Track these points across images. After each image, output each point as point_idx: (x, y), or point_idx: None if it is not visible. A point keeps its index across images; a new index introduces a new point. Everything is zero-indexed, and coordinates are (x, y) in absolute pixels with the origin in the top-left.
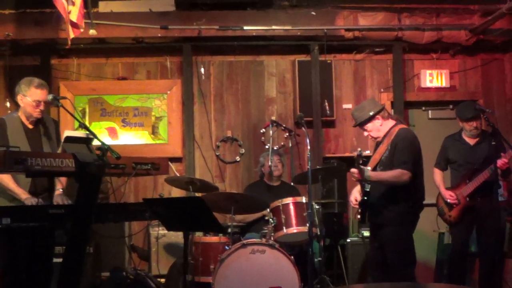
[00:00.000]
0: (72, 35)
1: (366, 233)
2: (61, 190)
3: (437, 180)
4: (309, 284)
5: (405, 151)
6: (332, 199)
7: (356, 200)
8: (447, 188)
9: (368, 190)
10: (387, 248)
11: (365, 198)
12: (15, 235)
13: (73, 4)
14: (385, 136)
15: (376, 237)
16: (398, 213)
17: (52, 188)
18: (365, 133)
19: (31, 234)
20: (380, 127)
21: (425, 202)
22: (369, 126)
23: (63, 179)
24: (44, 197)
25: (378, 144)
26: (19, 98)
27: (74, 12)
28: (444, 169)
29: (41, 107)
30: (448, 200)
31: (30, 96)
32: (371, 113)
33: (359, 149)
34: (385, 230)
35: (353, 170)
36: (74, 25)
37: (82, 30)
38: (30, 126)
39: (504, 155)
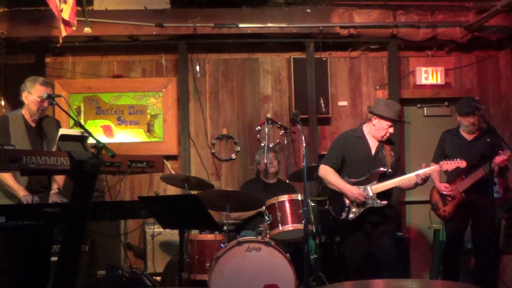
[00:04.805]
0: (64, 33)
1: None
2: (56, 189)
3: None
4: (305, 281)
5: None
6: (328, 197)
7: (364, 198)
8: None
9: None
10: (388, 244)
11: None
12: (12, 234)
13: (65, 2)
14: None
15: (371, 236)
16: (392, 210)
17: (50, 186)
18: (391, 130)
19: (28, 232)
20: None
21: (419, 198)
22: None
23: (60, 179)
24: (42, 196)
25: (377, 147)
26: (24, 96)
27: (66, 10)
28: None
29: (45, 105)
30: (444, 192)
31: (35, 93)
32: None
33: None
34: (387, 227)
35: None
36: (66, 23)
37: (74, 28)
38: (33, 125)
39: (503, 152)
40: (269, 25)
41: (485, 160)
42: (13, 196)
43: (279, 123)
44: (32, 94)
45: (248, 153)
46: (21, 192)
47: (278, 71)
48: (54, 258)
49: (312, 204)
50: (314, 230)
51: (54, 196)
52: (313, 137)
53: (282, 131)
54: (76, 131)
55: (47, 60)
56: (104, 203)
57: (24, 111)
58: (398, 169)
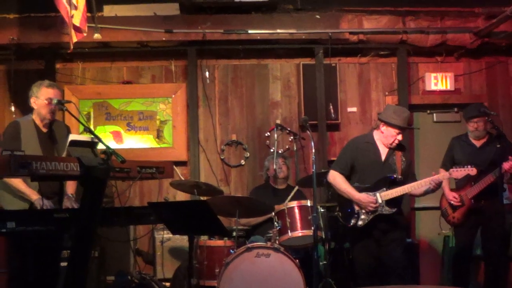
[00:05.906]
0: (75, 39)
1: None
2: (70, 194)
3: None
4: (314, 287)
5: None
6: (337, 203)
7: (374, 204)
8: (452, 190)
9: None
10: (397, 251)
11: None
12: (21, 239)
13: (76, 8)
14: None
15: (380, 242)
16: (402, 217)
17: (62, 191)
18: (399, 137)
19: (37, 238)
20: None
21: (429, 205)
22: None
23: (72, 185)
24: (53, 201)
25: (387, 153)
26: (32, 101)
27: (77, 16)
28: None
29: (53, 107)
30: (452, 202)
31: (42, 96)
32: None
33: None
34: (396, 234)
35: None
36: (77, 29)
37: (85, 34)
38: (44, 130)
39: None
40: (278, 31)
41: (494, 166)
42: (26, 199)
43: (288, 129)
44: (39, 97)
45: (257, 159)
46: (34, 196)
47: (288, 77)
48: (64, 264)
49: (322, 210)
50: (324, 236)
51: (67, 202)
52: (322, 143)
53: (291, 137)
54: (86, 137)
55: (57, 66)
56: (114, 209)
57: (34, 117)
58: (409, 175)
